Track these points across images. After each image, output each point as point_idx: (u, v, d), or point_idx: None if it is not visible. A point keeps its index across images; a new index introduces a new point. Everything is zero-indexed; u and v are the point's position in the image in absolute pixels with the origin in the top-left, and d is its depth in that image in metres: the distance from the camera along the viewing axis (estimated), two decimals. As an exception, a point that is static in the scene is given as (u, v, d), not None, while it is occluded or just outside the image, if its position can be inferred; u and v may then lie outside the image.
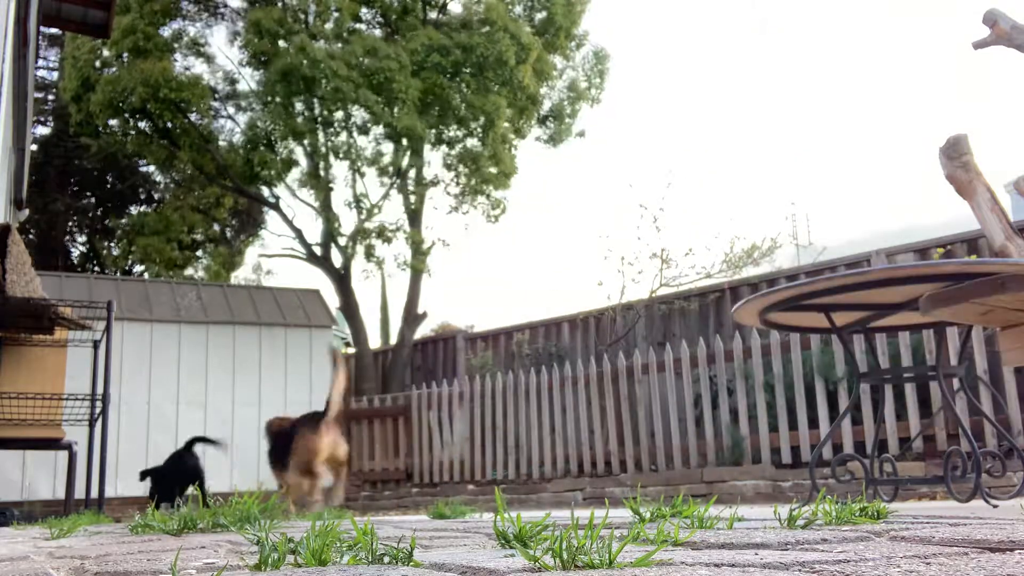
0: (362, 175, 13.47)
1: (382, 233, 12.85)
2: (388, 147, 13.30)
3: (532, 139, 14.49)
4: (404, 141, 12.56)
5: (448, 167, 13.58)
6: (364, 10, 13.38)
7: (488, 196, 13.66)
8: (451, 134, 13.11)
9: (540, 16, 13.75)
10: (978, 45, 6.05)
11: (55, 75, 18.49)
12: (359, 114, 12.53)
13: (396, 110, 11.84)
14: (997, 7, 5.96)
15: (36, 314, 5.57)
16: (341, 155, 13.11)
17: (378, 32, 13.54)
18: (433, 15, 13.54)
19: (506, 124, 13.18)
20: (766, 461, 6.96)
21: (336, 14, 12.87)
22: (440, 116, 12.61)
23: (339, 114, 12.57)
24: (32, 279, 5.58)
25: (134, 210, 16.94)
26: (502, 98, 12.41)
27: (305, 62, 11.51)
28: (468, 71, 12.30)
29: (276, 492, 2.90)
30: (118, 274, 16.03)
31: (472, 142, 13.08)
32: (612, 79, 16.56)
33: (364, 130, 12.88)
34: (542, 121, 14.27)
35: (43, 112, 18.30)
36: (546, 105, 14.15)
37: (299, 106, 12.43)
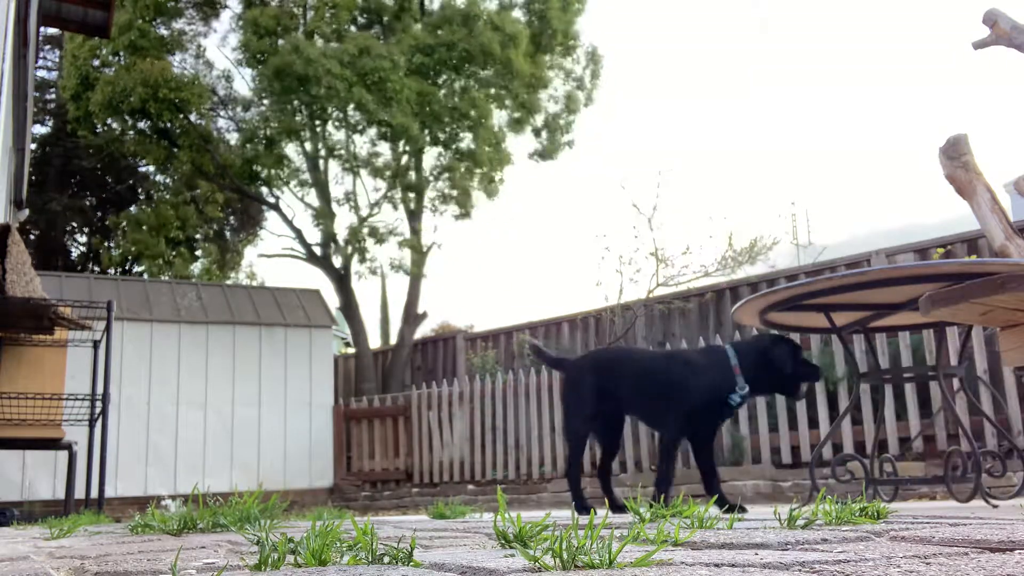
0: (358, 175, 13.47)
1: (376, 233, 12.86)
2: (385, 147, 13.31)
3: (525, 153, 14.44)
4: (401, 142, 12.56)
5: (443, 166, 13.57)
6: (361, 3, 13.38)
7: (485, 181, 13.62)
8: (446, 133, 13.11)
9: (536, 17, 13.73)
10: (978, 45, 6.04)
11: (55, 75, 18.49)
12: (354, 113, 12.52)
13: (391, 110, 11.84)
14: (997, 7, 5.95)
15: (36, 314, 5.57)
16: (337, 155, 13.10)
17: (372, 31, 13.54)
18: (431, 9, 13.54)
19: (497, 122, 13.18)
20: (766, 461, 6.96)
21: (331, 12, 12.86)
22: (434, 116, 12.61)
23: (335, 113, 12.56)
24: (32, 279, 5.58)
25: (133, 209, 16.95)
26: (489, 90, 12.39)
27: (299, 61, 11.49)
28: (454, 66, 12.28)
29: (276, 492, 2.73)
30: (118, 274, 16.04)
31: (465, 137, 13.04)
32: (607, 78, 16.55)
33: (357, 129, 12.86)
34: (536, 132, 14.21)
35: (43, 112, 18.31)
36: (539, 119, 14.06)
37: (296, 104, 12.42)
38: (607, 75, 15.00)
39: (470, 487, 9.03)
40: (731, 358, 3.63)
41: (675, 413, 3.67)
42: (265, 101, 12.77)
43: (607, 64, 14.65)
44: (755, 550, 1.36)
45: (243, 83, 14.42)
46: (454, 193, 13.58)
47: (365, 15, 13.67)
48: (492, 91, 12.47)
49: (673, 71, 55.88)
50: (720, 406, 3.64)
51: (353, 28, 13.44)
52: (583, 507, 3.60)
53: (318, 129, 12.98)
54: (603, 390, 3.81)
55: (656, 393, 3.75)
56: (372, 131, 12.80)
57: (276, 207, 13.97)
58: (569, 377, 3.95)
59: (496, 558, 1.34)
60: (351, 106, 12.17)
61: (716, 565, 1.17)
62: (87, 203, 18.05)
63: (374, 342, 14.10)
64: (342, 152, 13.13)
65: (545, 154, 14.30)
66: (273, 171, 12.90)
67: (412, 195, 13.44)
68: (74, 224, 18.20)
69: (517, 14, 13.55)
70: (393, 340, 13.80)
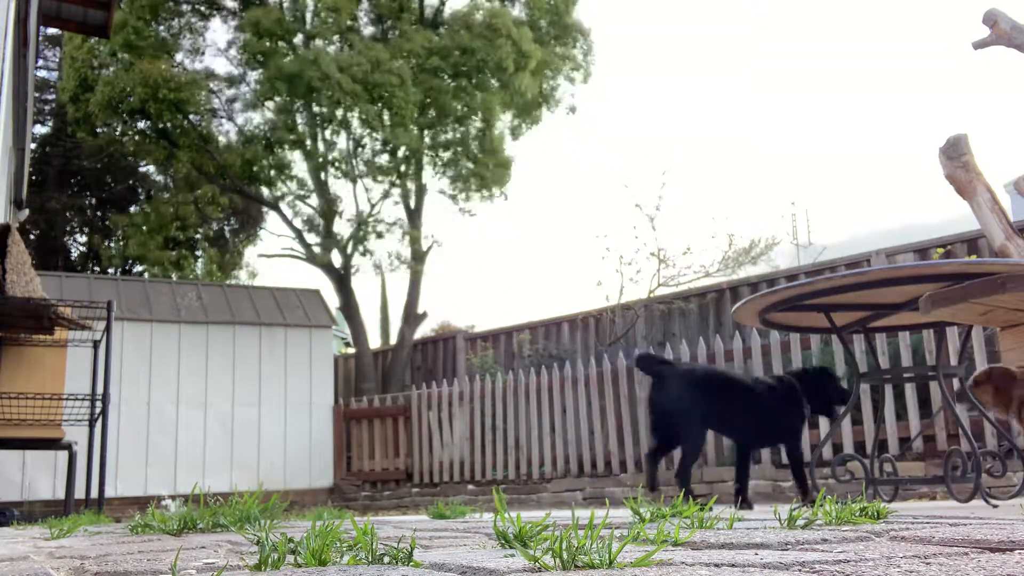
0: (358, 177, 13.47)
1: (376, 234, 12.86)
2: (386, 150, 13.31)
3: (525, 122, 14.26)
4: (402, 149, 12.58)
5: (445, 170, 13.55)
6: (364, 5, 13.36)
7: (485, 196, 13.61)
8: (448, 136, 13.10)
9: (534, 11, 13.72)
10: (978, 45, 6.04)
11: (55, 75, 18.49)
12: (358, 126, 12.55)
13: (394, 124, 11.85)
14: (997, 7, 5.95)
15: (36, 314, 5.57)
16: (339, 158, 13.11)
17: (370, 30, 13.52)
18: (430, 15, 13.53)
19: (501, 123, 13.18)
20: (766, 461, 6.95)
21: (333, 16, 12.85)
22: (438, 117, 12.61)
23: (338, 126, 12.58)
24: (32, 279, 5.58)
25: (133, 209, 16.94)
26: (497, 98, 12.39)
27: (315, 73, 11.47)
28: (465, 71, 12.29)
29: (276, 492, 2.72)
30: (118, 274, 16.03)
31: (470, 142, 13.05)
32: (608, 79, 16.51)
33: (361, 143, 12.90)
34: (523, 110, 14.08)
35: (43, 112, 18.30)
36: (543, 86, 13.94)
37: (298, 108, 12.43)
38: (603, 65, 14.94)
39: (470, 487, 9.03)
40: (797, 385, 4.40)
41: (796, 430, 4.43)
42: (268, 104, 12.77)
43: (597, 41, 14.57)
44: (755, 550, 1.36)
45: (244, 83, 14.39)
46: (455, 193, 13.59)
47: (372, 16, 13.65)
48: (501, 93, 12.46)
49: (672, 70, 55.89)
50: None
51: (365, 25, 13.43)
52: (692, 495, 4.02)
53: (318, 135, 12.98)
54: (711, 403, 4.42)
55: (764, 413, 4.40)
56: (374, 139, 12.82)
57: (276, 207, 13.97)
58: (679, 385, 4.41)
59: (496, 558, 1.34)
60: (355, 119, 12.19)
61: (716, 565, 1.17)
62: (87, 203, 18.04)
63: (374, 342, 14.11)
64: (344, 155, 13.13)
65: (536, 117, 14.09)
66: (273, 172, 12.91)
67: (412, 196, 13.44)
68: (74, 224, 18.19)
69: (516, 12, 13.54)
70: (393, 340, 13.80)
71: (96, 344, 6.60)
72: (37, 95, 17.04)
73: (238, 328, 9.92)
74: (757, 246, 9.64)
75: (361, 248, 12.93)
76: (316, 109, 12.12)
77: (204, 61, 14.60)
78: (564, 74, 14.10)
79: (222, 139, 14.33)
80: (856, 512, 1.96)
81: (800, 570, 1.11)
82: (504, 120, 13.43)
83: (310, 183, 13.45)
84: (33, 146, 16.38)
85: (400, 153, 12.67)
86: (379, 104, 11.85)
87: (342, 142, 13.23)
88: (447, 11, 13.52)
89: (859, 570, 1.08)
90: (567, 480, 8.19)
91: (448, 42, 12.29)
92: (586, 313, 10.43)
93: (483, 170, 13.22)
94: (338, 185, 13.74)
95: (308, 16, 13.23)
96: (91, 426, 6.42)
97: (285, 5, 13.24)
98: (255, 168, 12.77)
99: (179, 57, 14.16)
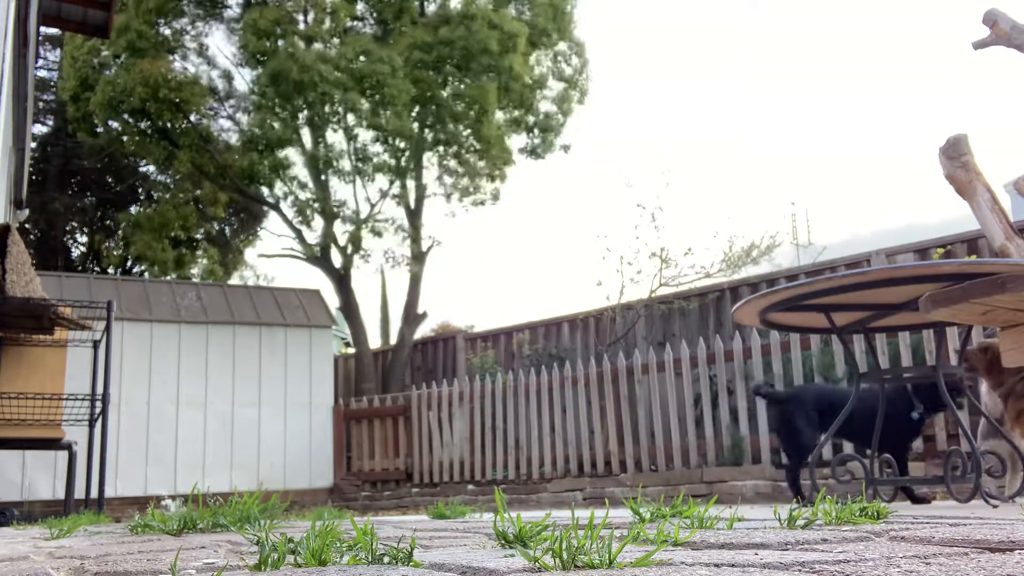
0: (358, 175, 13.47)
1: (376, 233, 12.86)
2: (384, 148, 13.31)
3: (522, 144, 14.39)
4: (399, 143, 12.57)
5: (443, 165, 13.55)
6: (361, 6, 13.37)
7: (486, 184, 13.62)
8: (445, 131, 13.10)
9: (529, 15, 13.75)
10: (978, 45, 6.04)
11: (55, 75, 18.48)
12: (351, 118, 12.54)
13: (388, 112, 11.86)
14: (997, 7, 5.95)
15: (36, 314, 5.57)
16: (336, 157, 13.11)
17: (369, 31, 13.54)
18: (429, 9, 13.55)
19: (499, 115, 13.19)
20: (766, 461, 6.95)
21: (331, 16, 12.86)
22: (435, 113, 12.61)
23: (333, 117, 12.58)
24: (32, 279, 5.58)
25: (134, 210, 16.94)
26: (491, 84, 12.40)
27: (295, 67, 11.49)
28: (454, 63, 12.32)
29: (276, 492, 2.69)
30: (118, 274, 16.03)
31: (466, 134, 13.05)
32: (607, 79, 16.55)
33: (353, 134, 12.89)
34: (530, 129, 14.18)
35: (43, 112, 18.29)
36: (534, 116, 14.05)
37: (293, 108, 12.43)
38: (603, 73, 14.98)
39: (470, 487, 9.03)
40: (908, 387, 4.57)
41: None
42: (264, 103, 12.78)
43: (593, 55, 14.63)
44: (755, 550, 1.36)
45: (243, 83, 14.41)
46: (455, 191, 13.58)
47: (365, 18, 13.66)
48: (493, 80, 12.48)
49: (673, 71, 55.90)
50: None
51: (357, 24, 13.44)
52: (802, 494, 4.72)
53: (313, 133, 12.98)
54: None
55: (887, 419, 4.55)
56: (369, 134, 12.81)
57: (276, 207, 13.97)
58: (797, 404, 4.85)
59: (496, 558, 1.34)
60: (347, 111, 12.18)
61: (716, 565, 1.17)
62: (87, 203, 18.03)
63: (374, 342, 14.11)
64: (341, 154, 13.12)
65: (539, 152, 14.25)
66: (272, 171, 12.91)
67: (412, 195, 13.44)
68: (74, 224, 18.19)
69: (512, 10, 13.56)
70: (393, 340, 13.80)
71: (96, 344, 6.60)
72: (37, 95, 17.03)
73: (238, 328, 9.92)
74: (758, 247, 9.65)
75: (361, 248, 12.93)
76: (307, 104, 12.10)
77: (205, 60, 14.56)
78: (561, 108, 14.15)
79: (223, 139, 14.34)
80: (856, 512, 1.96)
81: (800, 570, 1.11)
82: (498, 105, 13.44)
83: (310, 183, 13.45)
84: (33, 146, 16.37)
85: (398, 143, 12.65)
86: (369, 96, 11.85)
87: (340, 140, 13.23)
88: (428, 11, 13.55)
89: (859, 570, 1.09)
90: (567, 480, 8.19)
91: (430, 38, 12.32)
92: (586, 313, 10.43)
93: (480, 174, 13.26)
94: (337, 184, 13.74)
95: (308, 17, 13.24)
96: (91, 426, 6.42)
97: (285, 5, 13.24)
98: (255, 168, 12.77)
99: (180, 57, 14.16)
